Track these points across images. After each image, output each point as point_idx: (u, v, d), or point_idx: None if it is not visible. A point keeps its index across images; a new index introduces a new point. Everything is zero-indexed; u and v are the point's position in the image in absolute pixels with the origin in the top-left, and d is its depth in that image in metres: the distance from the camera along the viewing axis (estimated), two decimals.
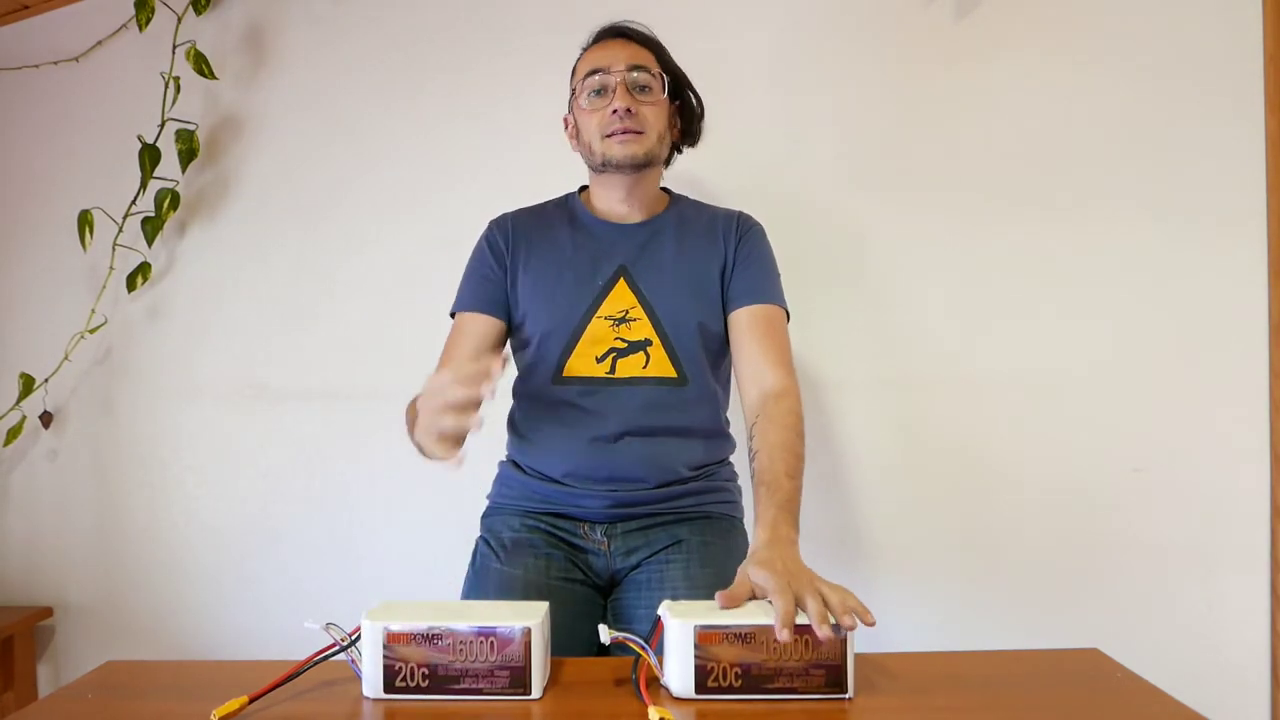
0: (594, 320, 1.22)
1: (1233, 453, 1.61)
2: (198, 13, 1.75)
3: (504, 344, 1.29)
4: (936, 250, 1.66)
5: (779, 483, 1.03)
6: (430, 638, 0.77)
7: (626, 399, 1.20)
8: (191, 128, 1.75)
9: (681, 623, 0.77)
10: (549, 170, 1.41)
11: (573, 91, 1.27)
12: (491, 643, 0.77)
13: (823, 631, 0.75)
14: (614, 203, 1.28)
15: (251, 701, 0.76)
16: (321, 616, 0.83)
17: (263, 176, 1.79)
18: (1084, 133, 1.64)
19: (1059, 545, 1.64)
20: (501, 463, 1.32)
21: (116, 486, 1.82)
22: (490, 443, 1.31)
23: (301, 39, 1.78)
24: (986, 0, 1.65)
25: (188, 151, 1.74)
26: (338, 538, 1.76)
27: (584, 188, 1.35)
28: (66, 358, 1.78)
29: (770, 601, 0.81)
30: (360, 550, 1.76)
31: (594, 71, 1.22)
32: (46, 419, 1.80)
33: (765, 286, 1.24)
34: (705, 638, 0.77)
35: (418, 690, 0.77)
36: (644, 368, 1.21)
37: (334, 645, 0.80)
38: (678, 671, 0.77)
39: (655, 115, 1.23)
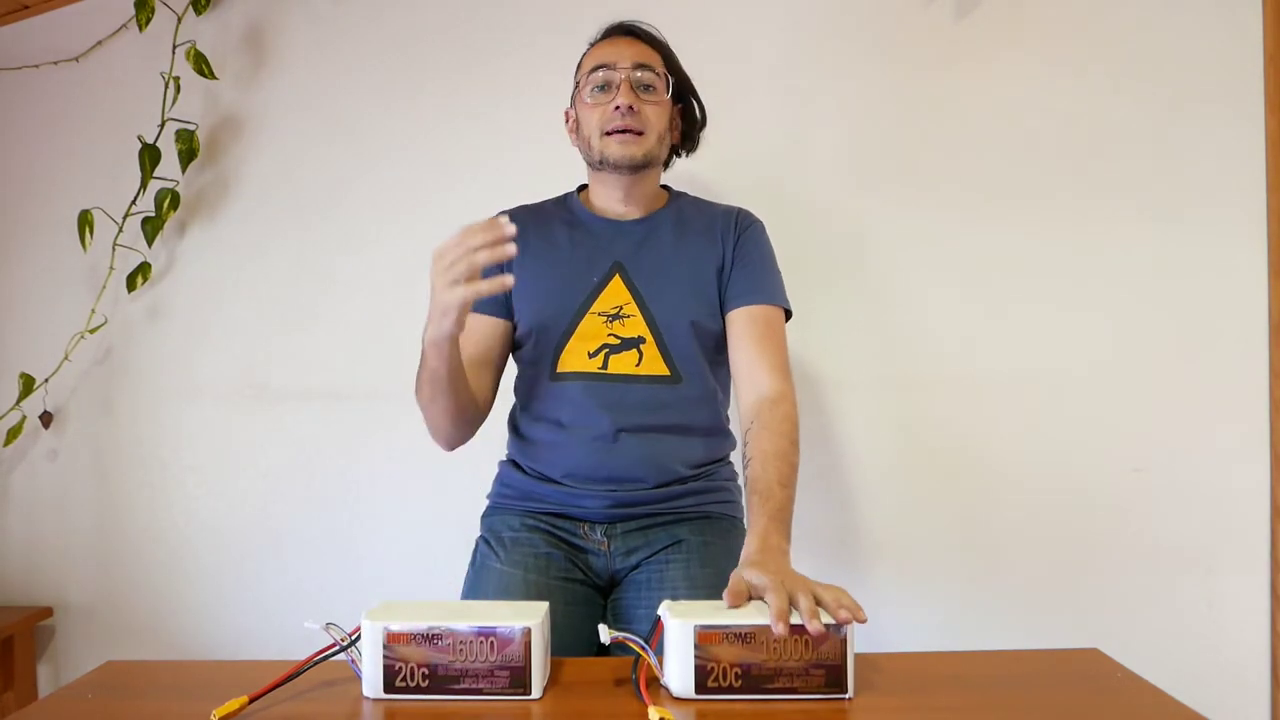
0: (587, 316, 1.22)
1: (1233, 453, 1.62)
2: (198, 13, 1.75)
3: (510, 343, 1.29)
4: (937, 250, 1.66)
5: (771, 491, 1.03)
6: (430, 638, 0.77)
7: (621, 396, 1.20)
8: (191, 128, 1.75)
9: (681, 623, 0.77)
10: (549, 170, 1.41)
11: (576, 85, 1.27)
12: (491, 643, 0.77)
13: (813, 626, 0.75)
14: (612, 200, 1.28)
15: (251, 701, 0.76)
16: (321, 616, 0.83)
17: (263, 176, 1.79)
18: (1084, 133, 1.64)
19: (1059, 545, 1.64)
20: (501, 462, 1.32)
21: (116, 486, 1.82)
22: (490, 443, 1.32)
23: (301, 39, 1.78)
24: (987, 0, 1.65)
25: (188, 151, 1.74)
26: (338, 538, 1.76)
27: (583, 186, 1.35)
28: (66, 358, 1.78)
29: (765, 600, 0.81)
30: (360, 550, 1.76)
31: (599, 67, 1.22)
32: (46, 419, 1.80)
33: (764, 285, 1.24)
34: (705, 638, 0.77)
35: (418, 690, 0.77)
36: (637, 365, 1.21)
37: (334, 645, 0.80)
38: (678, 671, 0.77)
39: (657, 115, 1.23)
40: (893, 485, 1.67)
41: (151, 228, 1.74)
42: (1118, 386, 1.64)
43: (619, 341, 1.21)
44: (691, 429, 1.24)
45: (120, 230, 1.76)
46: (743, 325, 1.22)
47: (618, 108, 1.20)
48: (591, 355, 1.21)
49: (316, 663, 0.81)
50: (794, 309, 1.27)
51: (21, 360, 1.81)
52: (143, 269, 1.76)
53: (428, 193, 1.75)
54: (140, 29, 1.72)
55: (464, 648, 0.77)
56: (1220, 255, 1.62)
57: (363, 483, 1.76)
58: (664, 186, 1.35)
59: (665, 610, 0.80)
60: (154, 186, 1.74)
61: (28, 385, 1.77)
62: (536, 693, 0.78)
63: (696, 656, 0.77)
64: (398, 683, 0.77)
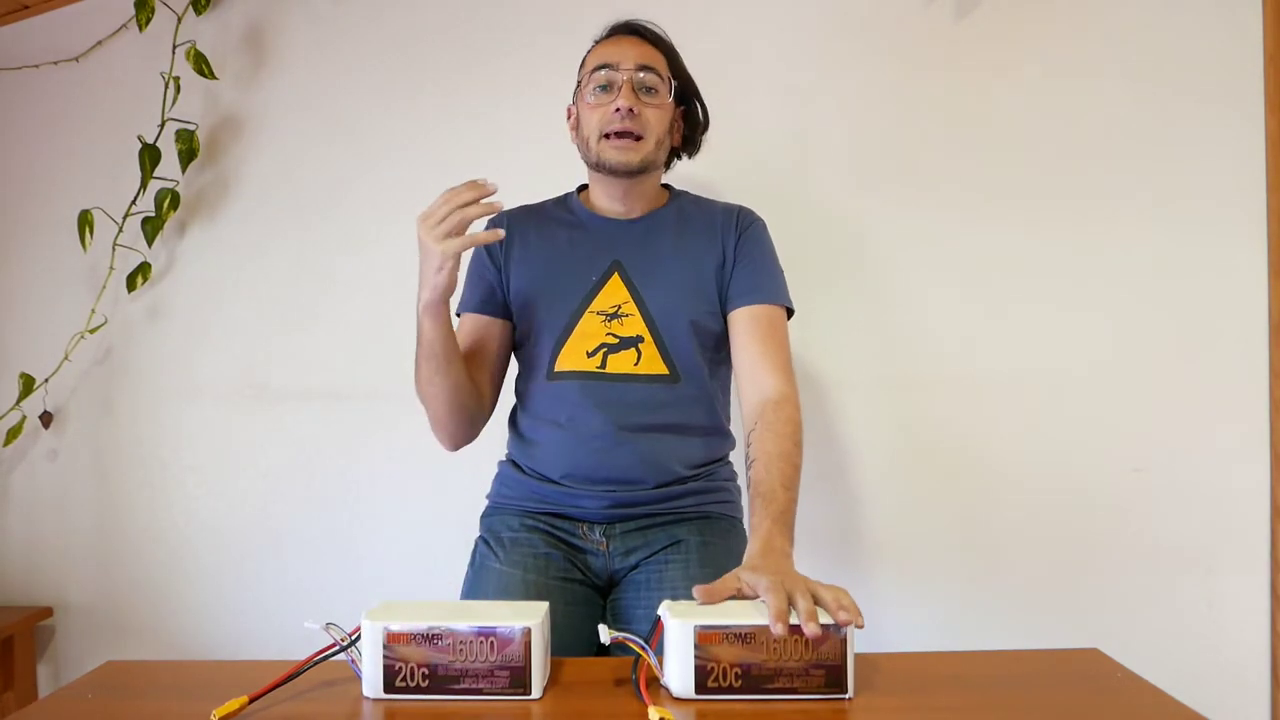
0: (586, 315, 1.22)
1: (1233, 453, 1.62)
2: (198, 13, 1.75)
3: (509, 343, 1.29)
4: (937, 250, 1.66)
5: (774, 493, 1.03)
6: (430, 638, 0.77)
7: (619, 395, 1.20)
8: (191, 128, 1.75)
9: (681, 623, 0.77)
10: (549, 170, 1.41)
11: (579, 84, 1.26)
12: (491, 643, 0.77)
13: (810, 629, 0.75)
14: (611, 201, 1.28)
15: (251, 701, 0.76)
16: (321, 616, 0.83)
17: (263, 176, 1.79)
18: (1084, 133, 1.64)
19: (1059, 545, 1.64)
20: (501, 462, 1.32)
21: (116, 486, 1.82)
22: (490, 443, 1.32)
23: (301, 39, 1.78)
24: (987, 1, 1.65)
25: (188, 151, 1.74)
26: (338, 538, 1.76)
27: (584, 186, 1.34)
28: (66, 358, 1.78)
29: (764, 601, 0.81)
30: (360, 550, 1.76)
31: (602, 66, 1.21)
32: (46, 419, 1.80)
33: (765, 285, 1.24)
34: (705, 638, 0.77)
35: (418, 690, 0.77)
36: (635, 364, 1.21)
37: (334, 645, 0.80)
38: (678, 671, 0.77)
39: (657, 119, 1.22)
40: (893, 485, 1.67)
41: (151, 228, 1.74)
42: (1118, 386, 1.63)
43: (617, 341, 1.21)
44: (690, 428, 1.24)
45: (120, 230, 1.76)
46: (745, 325, 1.21)
47: (618, 110, 1.19)
48: (590, 354, 1.21)
49: (316, 663, 0.81)
50: (794, 306, 1.26)
51: (21, 360, 1.81)
52: (143, 269, 1.76)
53: (428, 193, 1.70)
54: (140, 29, 1.72)
55: (464, 648, 0.77)
56: (1220, 255, 1.62)
57: (363, 483, 1.76)
58: (665, 185, 1.34)
59: (665, 610, 0.80)
60: (154, 186, 1.74)
61: (28, 385, 1.77)
62: (536, 693, 0.78)
63: (696, 656, 0.77)
64: (398, 683, 0.77)
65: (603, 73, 1.21)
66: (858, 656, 0.79)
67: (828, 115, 1.68)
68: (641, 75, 1.21)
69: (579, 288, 1.23)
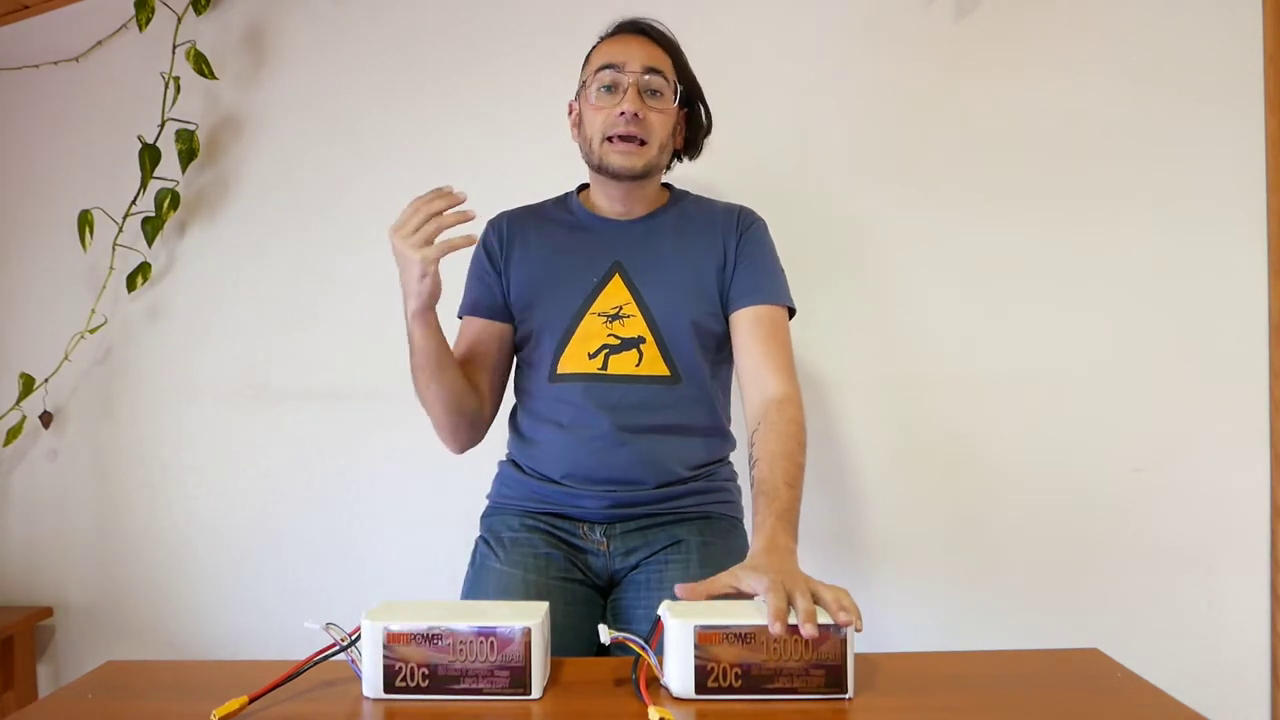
0: (587, 316, 1.22)
1: (1233, 453, 1.62)
2: (198, 13, 1.75)
3: (511, 346, 1.29)
4: (936, 249, 1.66)
5: (778, 491, 1.03)
6: (430, 638, 0.77)
7: (620, 396, 1.20)
8: (191, 128, 1.75)
9: (681, 623, 0.77)
10: (549, 170, 1.41)
11: (583, 83, 1.25)
12: (491, 643, 0.77)
13: (807, 630, 0.75)
14: (611, 202, 1.28)
15: (251, 701, 0.76)
16: (321, 616, 0.83)
17: (263, 176, 1.79)
18: (1083, 133, 1.64)
19: (1059, 545, 1.64)
20: (501, 462, 1.32)
21: (116, 486, 1.82)
22: (491, 443, 1.32)
23: (301, 39, 1.78)
24: (987, 1, 1.65)
25: (188, 151, 1.74)
26: (338, 538, 1.76)
27: (583, 186, 1.34)
28: (66, 358, 1.78)
29: (765, 600, 0.81)
30: (360, 550, 1.76)
31: (607, 66, 1.20)
32: (46, 419, 1.80)
33: (767, 285, 1.24)
34: (705, 638, 0.77)
35: (418, 690, 0.77)
36: (637, 365, 1.21)
37: (334, 645, 0.80)
38: (678, 671, 0.77)
39: (661, 123, 1.21)
40: (893, 485, 1.67)
41: (151, 228, 1.74)
42: (1118, 386, 1.63)
43: (619, 342, 1.21)
44: (691, 429, 1.24)
45: (120, 230, 1.76)
46: (747, 326, 1.21)
47: (623, 114, 1.18)
48: (591, 356, 1.21)
49: (316, 663, 0.81)
50: (795, 306, 1.26)
51: (21, 360, 1.81)
52: (143, 269, 1.76)
53: None
54: (140, 29, 1.72)
55: (464, 648, 0.77)
56: (1220, 255, 1.62)
57: (363, 483, 1.76)
58: (665, 185, 1.34)
59: (665, 610, 0.80)
60: (154, 186, 1.74)
61: (28, 385, 1.77)
62: (536, 693, 0.78)
63: (696, 656, 0.77)
64: (398, 683, 0.77)
65: (608, 73, 1.20)
66: (858, 656, 0.79)
67: (828, 115, 1.68)
68: (647, 78, 1.19)
69: (580, 289, 1.23)
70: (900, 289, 1.67)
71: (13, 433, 1.77)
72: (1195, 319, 1.62)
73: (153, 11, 1.71)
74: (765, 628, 0.77)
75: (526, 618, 0.78)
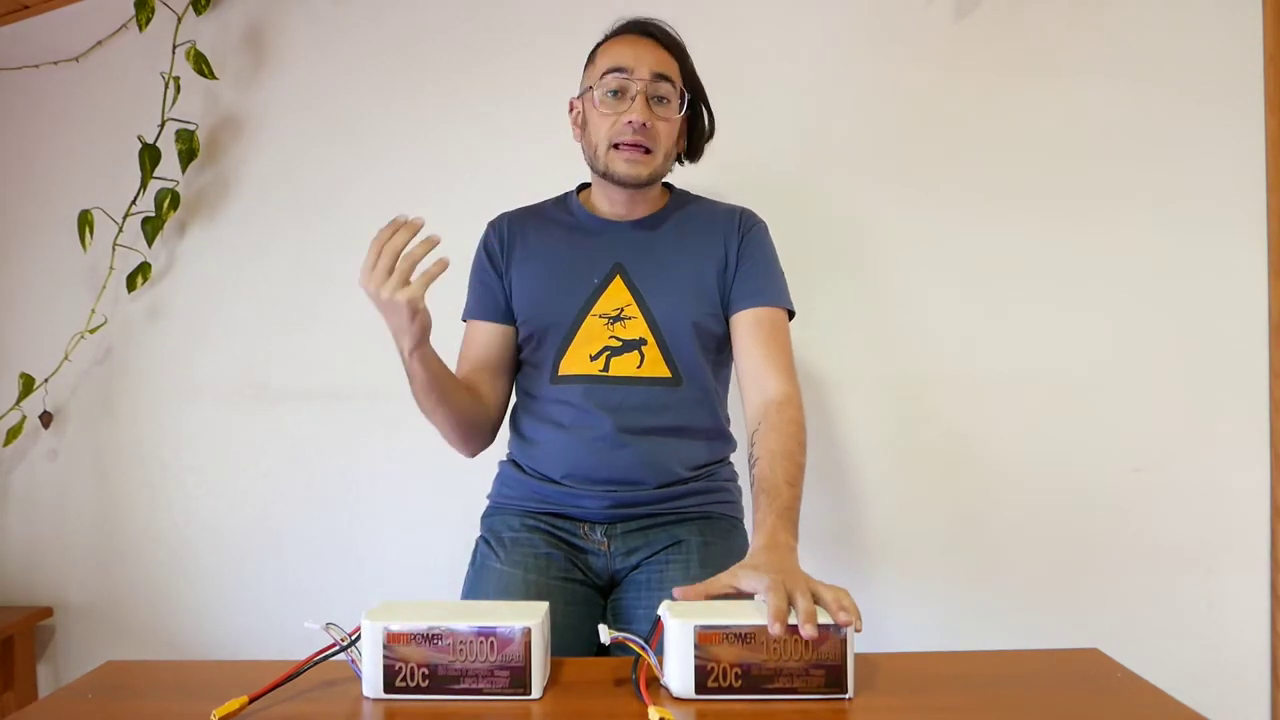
0: (589, 318, 1.21)
1: (1233, 453, 1.62)
2: (198, 13, 1.75)
3: (516, 346, 1.29)
4: (936, 250, 1.66)
5: (779, 489, 1.03)
6: (430, 638, 0.77)
7: (621, 398, 1.20)
8: (191, 128, 1.75)
9: (681, 623, 0.77)
10: (549, 170, 1.41)
11: (588, 86, 1.22)
12: (491, 643, 0.77)
13: (807, 631, 0.75)
14: (613, 204, 1.27)
15: (251, 701, 0.76)
16: (321, 616, 0.83)
17: (263, 176, 1.79)
18: (1083, 133, 1.64)
19: (1059, 545, 1.64)
20: (501, 462, 1.32)
21: (116, 486, 1.82)
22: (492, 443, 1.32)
23: (301, 39, 1.78)
24: (987, 1, 1.65)
25: (188, 151, 1.74)
26: (338, 538, 1.76)
27: (583, 186, 1.34)
28: (66, 358, 1.78)
29: (764, 600, 0.81)
30: (360, 550, 1.76)
31: (616, 70, 1.18)
32: (46, 419, 1.80)
33: (767, 287, 1.24)
34: (705, 638, 0.77)
35: (418, 690, 0.77)
36: (638, 367, 1.21)
37: (334, 645, 0.80)
38: (678, 671, 0.77)
39: (667, 132, 1.21)
40: (893, 485, 1.67)
41: (151, 228, 1.74)
42: (1118, 386, 1.63)
43: (620, 344, 1.21)
44: (693, 431, 1.24)
45: (120, 230, 1.76)
46: (748, 328, 1.21)
47: (630, 123, 1.17)
48: (593, 358, 1.21)
49: (316, 663, 0.81)
50: (795, 309, 1.26)
51: (21, 360, 1.81)
52: (143, 269, 1.76)
53: (428, 193, 1.75)
54: (140, 29, 1.72)
55: (464, 648, 0.77)
56: (1220, 255, 1.62)
57: (363, 483, 1.76)
58: (665, 185, 1.34)
59: (665, 610, 0.80)
60: (154, 186, 1.74)
61: (28, 385, 1.77)
62: (536, 693, 0.78)
63: (696, 656, 0.77)
64: (398, 683, 0.77)
65: (616, 77, 1.18)
66: (858, 656, 0.79)
67: (827, 115, 1.68)
68: (655, 85, 1.18)
69: (581, 291, 1.23)
70: (900, 289, 1.67)
71: (13, 433, 1.77)
72: (1195, 319, 1.62)
73: (153, 11, 1.71)
74: (765, 628, 0.77)
75: (526, 618, 0.78)
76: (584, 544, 1.21)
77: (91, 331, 1.79)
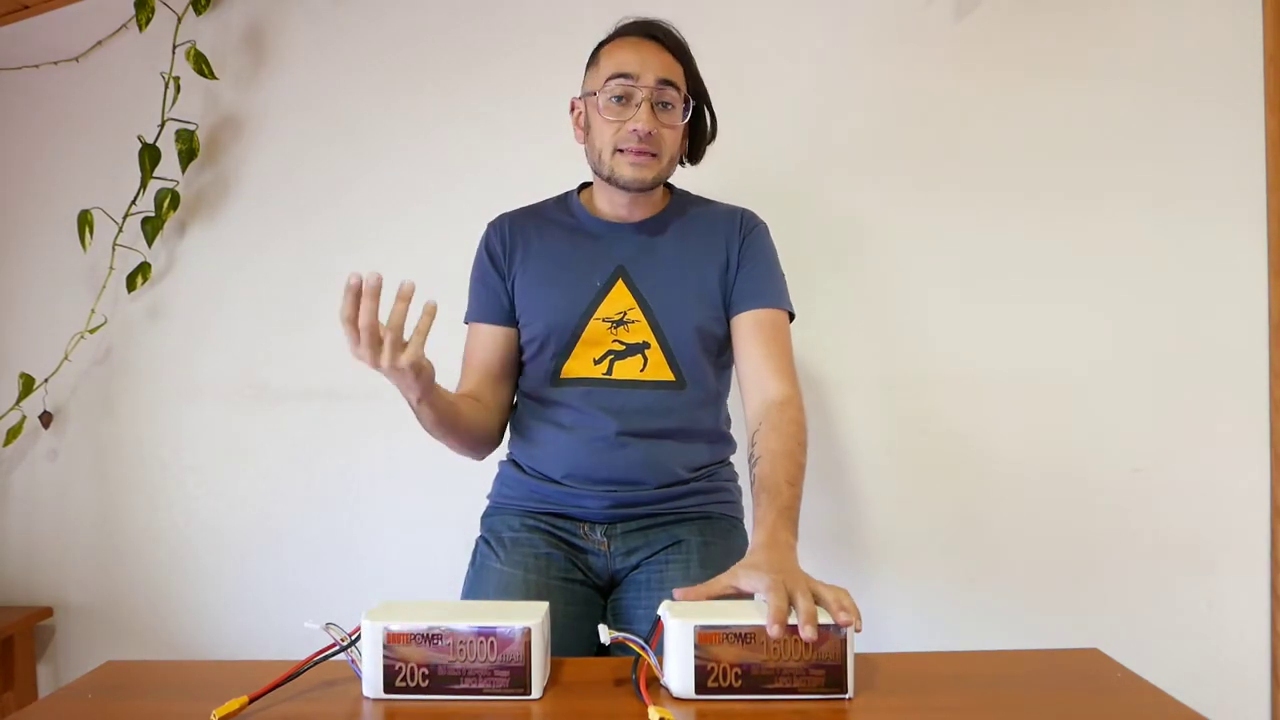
0: (592, 322, 1.21)
1: (1233, 453, 1.62)
2: (198, 13, 1.75)
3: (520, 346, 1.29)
4: (937, 249, 1.66)
5: (779, 488, 1.03)
6: (430, 638, 0.77)
7: (624, 401, 1.20)
8: (191, 128, 1.75)
9: (681, 623, 0.77)
10: (549, 170, 1.41)
11: (593, 91, 1.20)
12: (491, 643, 0.77)
13: (806, 633, 0.75)
14: (615, 207, 1.27)
15: (251, 701, 0.76)
16: (321, 616, 0.83)
17: (263, 176, 1.79)
18: (1084, 132, 1.64)
19: (1059, 545, 1.64)
20: (502, 462, 1.32)
21: (116, 486, 1.82)
22: None
23: (301, 39, 1.78)
24: (987, 1, 1.65)
25: (188, 151, 1.74)
26: (338, 538, 1.76)
27: (583, 186, 1.33)
28: (66, 358, 1.78)
29: (764, 600, 0.81)
30: (360, 550, 1.76)
31: (621, 75, 1.17)
32: (46, 419, 1.80)
33: (768, 289, 1.24)
34: (705, 638, 0.77)
35: (418, 690, 0.77)
36: (642, 371, 1.21)
37: (334, 645, 0.80)
38: (678, 671, 0.77)
39: (672, 138, 1.20)
40: (893, 485, 1.67)
41: (151, 228, 1.74)
42: (1118, 386, 1.64)
43: (624, 348, 1.21)
44: (695, 433, 1.24)
45: (120, 230, 1.76)
46: (749, 329, 1.21)
47: (635, 130, 1.16)
48: (597, 362, 1.21)
49: (316, 663, 0.81)
50: (795, 309, 1.26)
51: (21, 360, 1.81)
52: (143, 269, 1.76)
53: (428, 193, 1.75)
54: (140, 29, 1.72)
55: (464, 648, 0.77)
56: (1220, 255, 1.62)
57: (363, 483, 1.76)
58: (666, 185, 1.33)
59: (665, 610, 0.80)
60: (154, 186, 1.74)
61: (28, 385, 1.77)
62: (536, 693, 0.78)
63: (696, 656, 0.77)
64: (398, 683, 0.77)
65: (620, 83, 1.17)
66: (858, 656, 0.79)
67: (828, 115, 1.68)
68: (660, 91, 1.17)
69: (584, 294, 1.22)
70: (900, 289, 1.67)
71: (13, 433, 1.77)
72: (1195, 319, 1.62)
73: (153, 11, 1.71)
74: (765, 628, 0.77)
75: (526, 618, 0.78)
76: (584, 544, 1.21)
77: (91, 331, 1.79)
